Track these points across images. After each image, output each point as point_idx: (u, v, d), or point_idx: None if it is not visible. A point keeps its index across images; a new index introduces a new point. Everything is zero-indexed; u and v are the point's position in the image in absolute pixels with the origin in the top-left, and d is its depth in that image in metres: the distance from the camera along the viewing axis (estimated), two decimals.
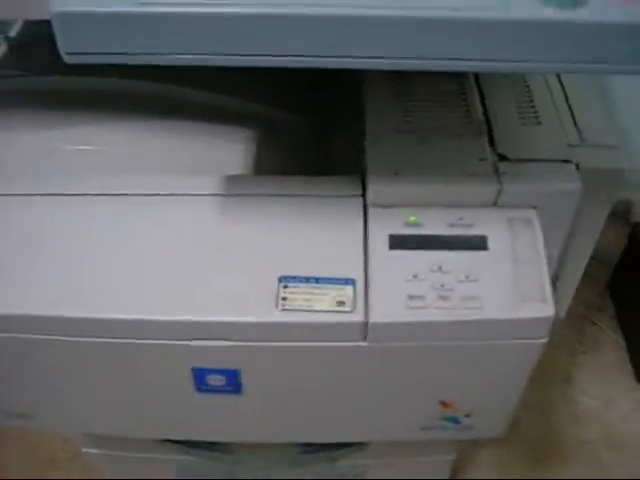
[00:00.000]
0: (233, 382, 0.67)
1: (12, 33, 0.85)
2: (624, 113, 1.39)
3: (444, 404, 0.71)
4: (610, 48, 0.46)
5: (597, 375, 1.30)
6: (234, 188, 0.68)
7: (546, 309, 0.62)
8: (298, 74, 0.84)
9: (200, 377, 0.66)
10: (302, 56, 0.47)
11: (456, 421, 0.73)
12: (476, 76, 0.76)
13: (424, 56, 0.45)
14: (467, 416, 0.73)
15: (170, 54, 0.48)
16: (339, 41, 0.45)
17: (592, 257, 1.44)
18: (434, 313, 0.61)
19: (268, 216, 0.66)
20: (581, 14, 0.44)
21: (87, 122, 0.78)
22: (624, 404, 1.26)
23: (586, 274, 1.44)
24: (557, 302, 0.82)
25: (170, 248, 0.65)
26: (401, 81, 0.75)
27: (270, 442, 0.79)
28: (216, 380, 0.67)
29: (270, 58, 0.47)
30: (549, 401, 1.27)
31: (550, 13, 0.44)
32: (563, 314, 0.86)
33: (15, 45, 0.84)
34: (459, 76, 0.75)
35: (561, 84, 0.77)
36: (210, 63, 0.48)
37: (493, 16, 0.43)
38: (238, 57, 0.46)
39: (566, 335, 1.36)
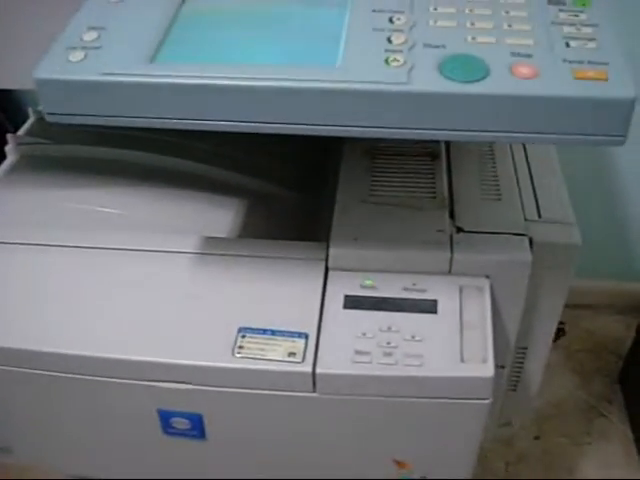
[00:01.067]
0: (197, 426, 0.71)
1: (40, 107, 0.95)
2: None
3: (399, 463, 0.73)
4: (513, 118, 0.51)
5: (602, 467, 1.28)
6: (210, 248, 0.75)
7: (486, 369, 0.65)
8: (289, 150, 0.92)
9: (166, 419, 0.71)
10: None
11: None
12: (447, 154, 0.82)
13: (337, 123, 0.52)
14: (423, 478, 0.75)
15: (136, 117, 0.56)
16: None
17: (603, 348, 1.46)
18: (377, 368, 0.65)
19: (237, 274, 0.73)
20: (482, 87, 0.50)
21: (96, 186, 0.87)
22: None
23: (597, 365, 1.45)
24: (527, 371, 0.86)
25: (145, 296, 0.71)
26: (376, 158, 0.81)
27: None
28: (181, 424, 0.71)
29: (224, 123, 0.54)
30: None
31: (452, 87, 0.50)
32: (536, 386, 0.87)
33: (41, 117, 0.94)
34: (430, 157, 0.81)
35: (527, 160, 0.82)
36: (164, 126, 0.55)
37: (397, 89, 0.50)
38: (189, 121, 0.54)
39: (573, 425, 1.35)
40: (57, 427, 0.75)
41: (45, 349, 0.67)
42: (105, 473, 0.82)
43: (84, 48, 0.55)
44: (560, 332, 1.37)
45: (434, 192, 0.77)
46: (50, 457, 0.81)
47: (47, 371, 0.68)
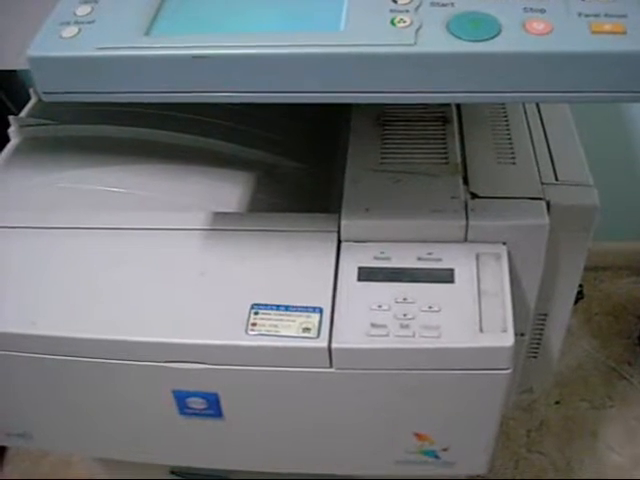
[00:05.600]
0: (213, 406, 0.70)
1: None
2: None
3: (419, 436, 0.72)
4: (527, 77, 0.49)
5: (625, 430, 1.27)
6: (219, 223, 0.73)
7: (506, 339, 0.63)
8: (297, 123, 0.90)
9: (181, 400, 0.70)
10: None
11: (435, 455, 0.74)
12: (459, 119, 0.80)
13: (346, 89, 0.50)
14: (445, 450, 0.73)
15: (133, 93, 0.54)
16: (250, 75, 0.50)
17: (623, 310, 1.44)
18: (394, 340, 0.63)
19: (248, 249, 0.71)
20: (493, 46, 0.48)
21: (99, 165, 0.85)
22: None
23: (617, 328, 1.43)
24: (548, 338, 0.84)
25: (154, 275, 0.70)
26: (385, 126, 0.79)
27: (258, 470, 0.81)
28: (197, 403, 0.70)
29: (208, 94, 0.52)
30: (575, 456, 1.25)
31: (462, 46, 0.48)
32: (557, 352, 0.86)
33: None
34: (442, 122, 0.79)
35: (542, 123, 0.80)
36: (163, 100, 0.53)
37: (404, 51, 0.47)
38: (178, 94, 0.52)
39: (594, 389, 1.34)
40: (74, 412, 0.75)
41: (56, 333, 0.66)
42: (124, 456, 0.82)
43: (77, 23, 0.53)
44: (578, 295, 1.35)
45: (446, 158, 0.75)
46: (69, 442, 0.81)
47: (59, 356, 0.67)
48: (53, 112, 0.92)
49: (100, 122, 0.89)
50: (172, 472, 1.01)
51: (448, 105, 0.80)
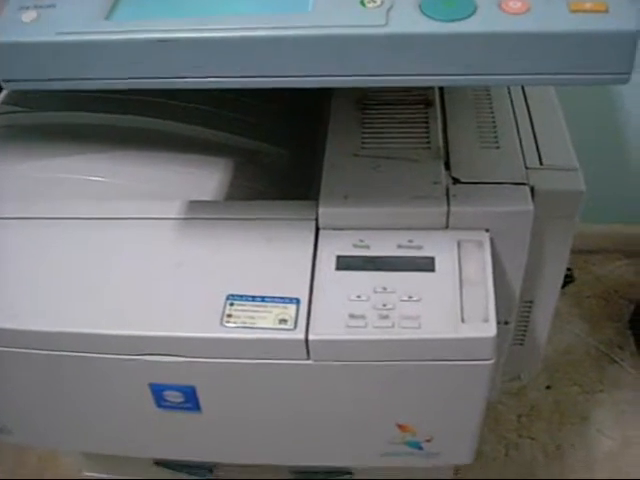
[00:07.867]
0: (191, 399, 0.69)
1: None
2: None
3: (402, 427, 0.70)
4: (503, 58, 0.47)
5: (615, 414, 1.26)
6: (195, 212, 0.71)
7: (488, 329, 0.61)
8: (278, 107, 0.88)
9: (158, 393, 0.68)
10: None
11: (418, 447, 0.73)
12: (442, 102, 0.78)
13: (318, 73, 0.48)
14: (428, 441, 0.72)
15: (96, 79, 0.52)
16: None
17: (613, 294, 1.43)
18: (373, 332, 0.62)
19: (225, 238, 0.69)
20: (468, 26, 0.46)
21: (76, 153, 0.83)
22: None
23: (608, 311, 1.42)
24: (534, 325, 0.82)
25: (129, 267, 0.68)
26: (366, 109, 0.77)
27: (239, 463, 0.80)
28: (174, 396, 0.69)
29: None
30: (565, 440, 1.24)
31: (435, 27, 0.46)
32: (544, 339, 0.84)
33: None
34: (424, 104, 0.77)
35: (527, 106, 0.78)
36: (126, 87, 0.51)
37: (375, 32, 0.45)
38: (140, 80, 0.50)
39: (585, 373, 1.32)
40: (52, 406, 0.73)
41: (30, 327, 0.64)
42: (104, 449, 0.81)
43: (37, 7, 0.51)
44: (569, 278, 1.34)
45: (428, 142, 0.73)
46: (48, 436, 0.79)
47: (34, 349, 0.66)
48: (27, 99, 0.89)
49: (75, 109, 0.86)
50: (156, 463, 0.99)
51: (430, 88, 0.78)
